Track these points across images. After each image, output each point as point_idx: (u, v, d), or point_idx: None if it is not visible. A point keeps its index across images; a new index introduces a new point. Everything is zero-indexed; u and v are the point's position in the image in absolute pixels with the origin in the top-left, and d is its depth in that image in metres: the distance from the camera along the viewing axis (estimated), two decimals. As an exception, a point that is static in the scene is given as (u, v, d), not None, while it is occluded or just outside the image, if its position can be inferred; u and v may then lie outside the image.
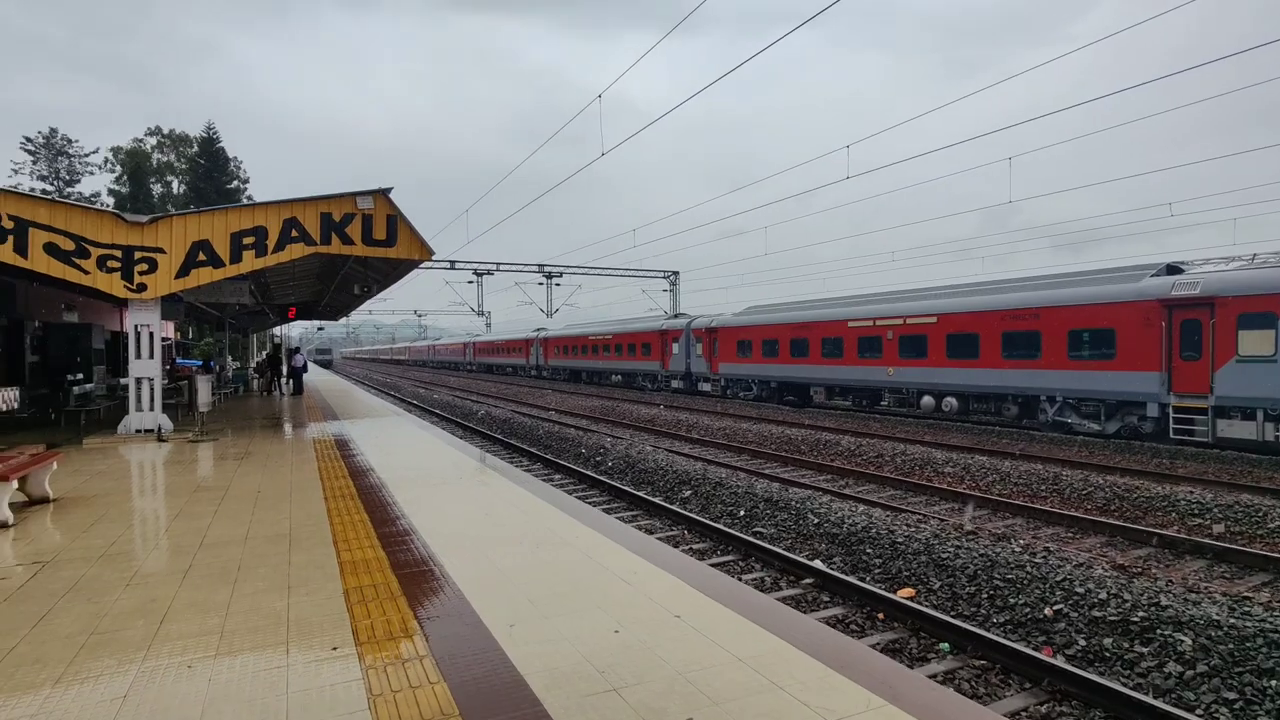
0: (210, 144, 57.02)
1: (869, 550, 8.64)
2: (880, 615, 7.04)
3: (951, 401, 22.15)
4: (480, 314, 53.12)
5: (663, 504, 11.53)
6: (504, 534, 5.97)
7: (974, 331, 21.31)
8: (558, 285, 54.08)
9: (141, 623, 4.02)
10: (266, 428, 15.04)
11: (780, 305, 32.16)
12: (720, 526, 10.03)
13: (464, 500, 7.44)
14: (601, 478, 13.97)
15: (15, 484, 6.43)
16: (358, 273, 19.94)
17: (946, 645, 6.29)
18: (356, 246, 14.23)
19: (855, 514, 9.70)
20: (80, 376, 22.40)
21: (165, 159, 60.37)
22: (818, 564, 8.42)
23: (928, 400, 23.04)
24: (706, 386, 35.25)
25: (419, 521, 6.41)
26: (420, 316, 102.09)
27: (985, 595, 7.05)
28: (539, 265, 52.48)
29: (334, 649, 3.61)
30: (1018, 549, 7.69)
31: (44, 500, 7.34)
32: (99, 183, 56.92)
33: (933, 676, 5.61)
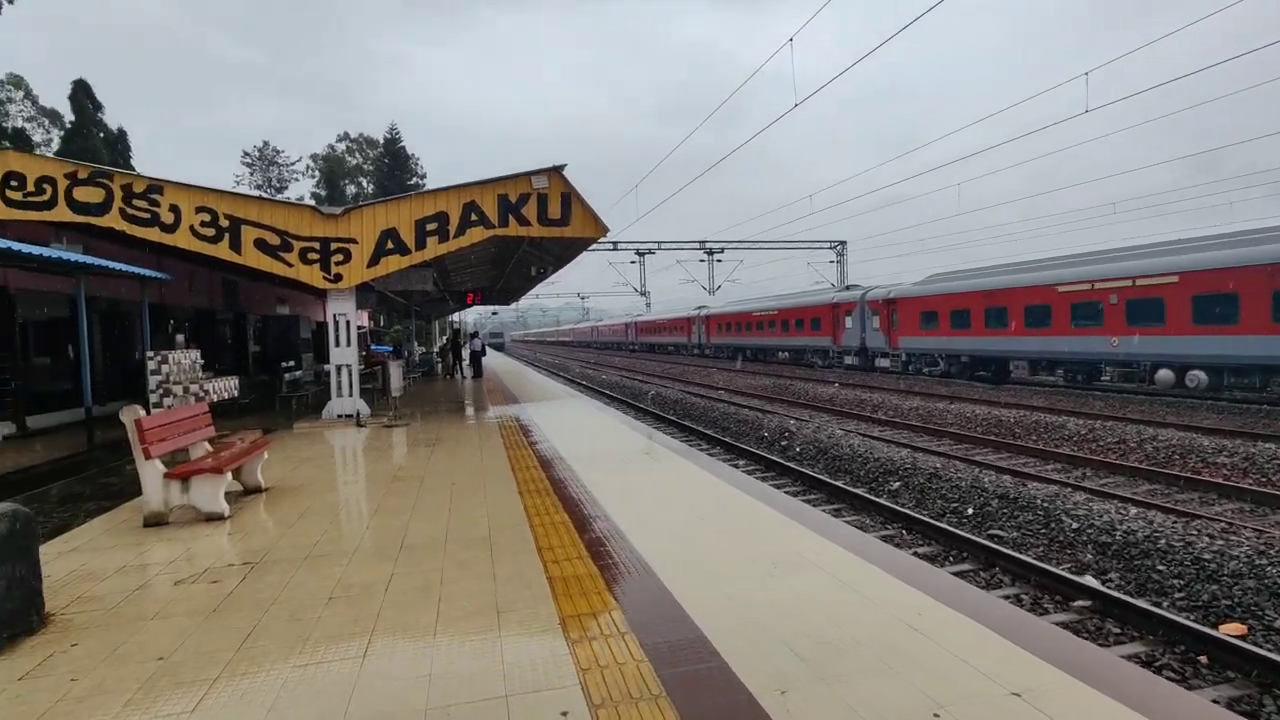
0: (393, 144, 61.21)
1: (1160, 568, 6.90)
2: (1202, 659, 5.43)
3: (1199, 376, 18.67)
4: (642, 294, 53.24)
5: (868, 496, 10.23)
6: (725, 544, 5.07)
7: (1232, 291, 17.73)
8: (719, 261, 52.99)
9: (348, 649, 3.51)
10: (452, 412, 15.29)
11: (969, 271, 29.04)
12: (946, 526, 8.61)
13: (664, 494, 6.65)
14: (791, 464, 12.84)
15: (229, 475, 6.42)
16: (532, 255, 19.99)
17: (1325, 713, 4.63)
18: (533, 227, 13.96)
19: (1128, 518, 7.90)
20: (292, 364, 24.40)
21: (355, 161, 65.71)
22: (1089, 580, 6.83)
23: (1165, 374, 19.61)
24: (884, 362, 32.77)
25: (624, 523, 5.67)
26: (583, 299, 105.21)
27: (1368, 643, 5.22)
28: (700, 242, 51.59)
29: (563, 714, 2.85)
30: (1406, 579, 5.69)
31: (257, 490, 7.42)
32: (303, 188, 63.17)
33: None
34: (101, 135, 47.96)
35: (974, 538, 8.10)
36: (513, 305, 63.67)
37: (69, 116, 49.49)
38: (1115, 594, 6.37)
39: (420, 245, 13.55)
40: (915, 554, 7.91)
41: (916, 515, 9.10)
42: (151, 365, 10.29)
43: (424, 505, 6.54)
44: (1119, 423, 15.41)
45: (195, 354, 11.34)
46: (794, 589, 4.14)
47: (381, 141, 63.22)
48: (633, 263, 51.46)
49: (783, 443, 15.03)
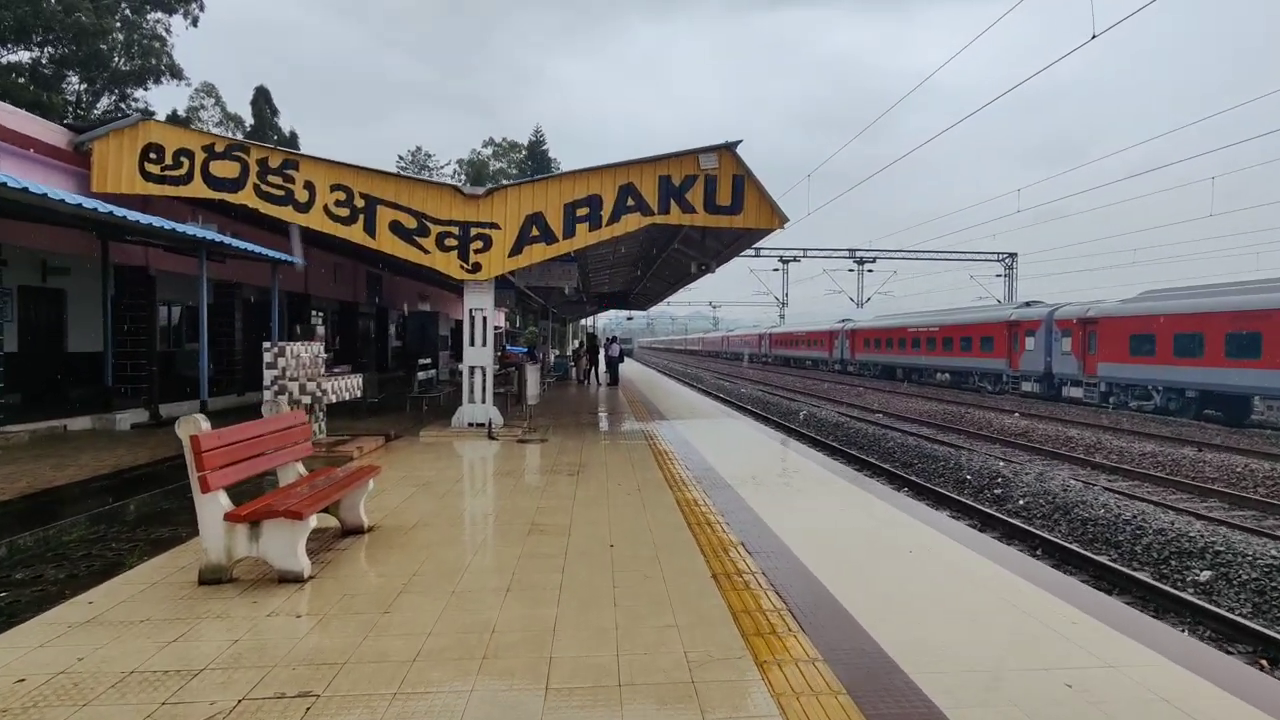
0: (537, 146, 61.70)
1: None
2: None
3: None
4: (783, 304, 50.20)
5: (1161, 587, 7.24)
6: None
7: None
8: (870, 272, 49.09)
9: None
10: (592, 426, 13.38)
11: (1200, 289, 24.15)
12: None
13: (924, 582, 4.19)
14: (1016, 521, 9.90)
15: (314, 520, 4.60)
16: (684, 252, 17.89)
17: None
18: (698, 215, 11.81)
19: None
20: (428, 361, 23.64)
21: (499, 165, 66.93)
22: None
23: None
24: (1076, 392, 28.09)
25: (930, 679, 3.27)
26: (715, 309, 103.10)
27: None
28: (849, 250, 47.98)
29: None
30: None
31: (357, 530, 5.62)
32: (450, 190, 65.07)
33: None
34: (275, 138, 51.00)
35: None
36: (645, 311, 62.38)
37: (250, 121, 53.11)
38: None
39: (568, 233, 11.73)
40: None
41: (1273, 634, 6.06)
42: (267, 358, 8.97)
43: (576, 589, 4.42)
44: None
45: (318, 347, 10.01)
46: None
47: (526, 144, 63.97)
48: (775, 270, 48.65)
49: (995, 490, 11.98)
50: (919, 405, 27.53)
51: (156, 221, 8.52)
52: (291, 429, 5.50)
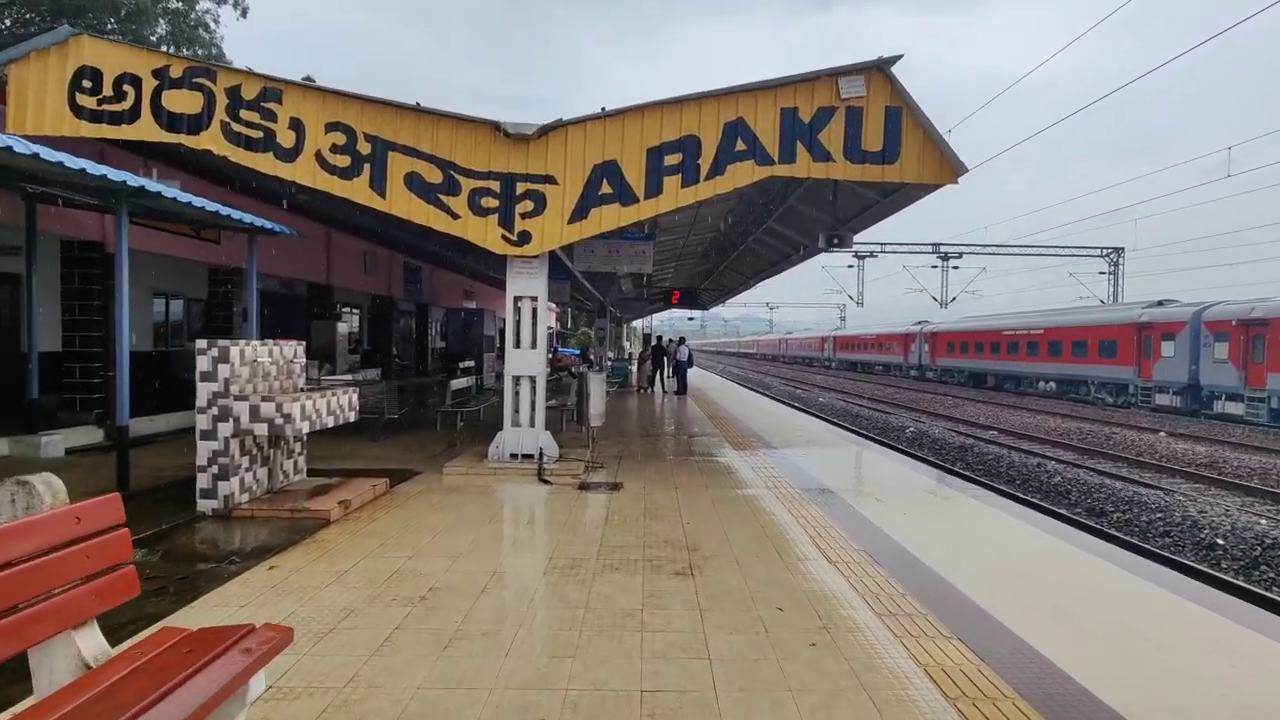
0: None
1: None
2: None
3: None
4: (859, 303, 45.85)
5: None
6: None
7: None
8: (955, 269, 44.44)
9: None
10: (678, 458, 9.94)
11: None
12: None
13: None
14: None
15: None
16: (777, 233, 14.28)
17: None
18: (835, 164, 8.27)
19: None
20: (470, 365, 20.55)
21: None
22: None
23: None
24: (1235, 408, 23.43)
25: None
26: (772, 309, 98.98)
27: None
28: (933, 245, 43.44)
29: None
30: None
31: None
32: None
33: None
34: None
35: None
36: (705, 311, 58.61)
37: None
38: None
39: (653, 190, 8.31)
40: None
41: None
42: (203, 364, 5.81)
43: None
44: None
45: (293, 348, 6.85)
46: None
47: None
48: (850, 266, 44.43)
49: (1280, 569, 8.11)
50: (1034, 420, 23.33)
51: (23, 149, 5.22)
52: (57, 557, 2.18)
